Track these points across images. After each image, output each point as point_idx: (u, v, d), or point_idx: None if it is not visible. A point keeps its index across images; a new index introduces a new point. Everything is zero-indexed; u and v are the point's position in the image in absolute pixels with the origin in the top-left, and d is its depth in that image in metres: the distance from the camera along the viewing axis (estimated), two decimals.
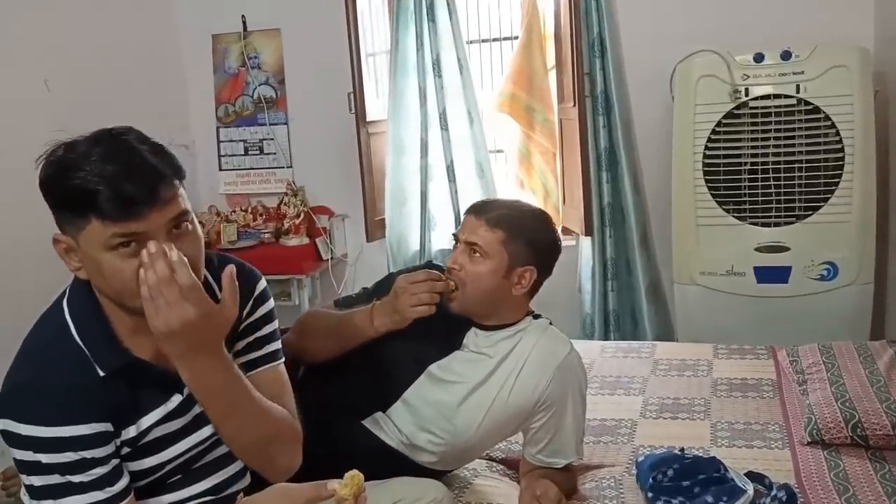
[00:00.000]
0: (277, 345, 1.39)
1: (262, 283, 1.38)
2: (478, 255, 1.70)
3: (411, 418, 1.76)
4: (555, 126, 3.78)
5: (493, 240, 1.70)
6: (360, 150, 3.67)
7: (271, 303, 1.39)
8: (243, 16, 3.96)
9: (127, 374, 1.19)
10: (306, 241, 3.89)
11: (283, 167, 4.02)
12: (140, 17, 3.76)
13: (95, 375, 1.17)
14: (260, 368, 1.35)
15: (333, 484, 1.10)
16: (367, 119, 3.70)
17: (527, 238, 1.72)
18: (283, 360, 1.40)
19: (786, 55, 2.98)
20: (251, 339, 1.35)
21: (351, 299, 1.89)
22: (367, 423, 1.76)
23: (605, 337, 3.55)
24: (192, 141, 4.08)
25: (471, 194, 3.64)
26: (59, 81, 3.15)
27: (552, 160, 3.85)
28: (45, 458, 1.13)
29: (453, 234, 1.79)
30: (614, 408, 2.29)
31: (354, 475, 1.10)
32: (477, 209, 1.76)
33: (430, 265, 1.83)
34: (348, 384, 1.75)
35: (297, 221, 3.86)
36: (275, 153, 4.02)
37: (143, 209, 1.09)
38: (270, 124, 4.00)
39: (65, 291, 1.24)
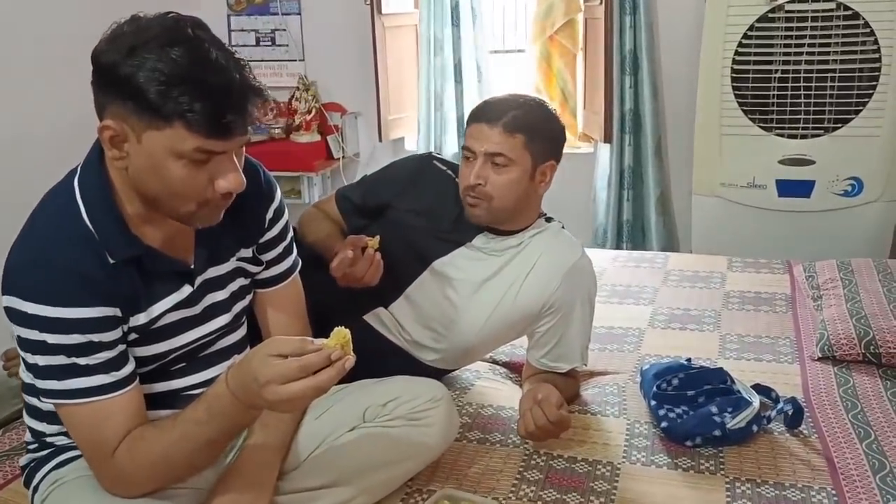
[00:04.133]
0: (294, 257, 1.43)
1: (279, 195, 1.37)
2: (501, 164, 1.62)
3: (413, 314, 1.73)
4: (579, 26, 3.62)
5: (515, 145, 1.62)
6: (375, 45, 3.55)
7: (286, 214, 1.39)
8: None
9: (137, 261, 1.17)
10: (317, 138, 3.81)
11: (295, 60, 3.89)
12: None
13: (105, 261, 1.14)
14: (281, 284, 1.40)
15: (320, 339, 1.10)
16: (384, 11, 3.56)
17: (544, 134, 1.65)
18: (299, 268, 1.45)
19: None
20: (271, 255, 1.37)
21: (348, 191, 1.85)
22: (368, 318, 1.74)
23: (617, 247, 3.50)
24: None
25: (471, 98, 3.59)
26: None
27: (573, 63, 3.71)
28: (50, 339, 1.11)
29: (464, 147, 1.68)
30: (622, 316, 2.26)
31: (340, 330, 1.10)
32: (485, 116, 1.64)
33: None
34: None
35: (309, 118, 3.77)
36: (287, 45, 3.89)
37: (236, 132, 1.09)
38: (283, 14, 3.85)
39: (74, 171, 1.19)
